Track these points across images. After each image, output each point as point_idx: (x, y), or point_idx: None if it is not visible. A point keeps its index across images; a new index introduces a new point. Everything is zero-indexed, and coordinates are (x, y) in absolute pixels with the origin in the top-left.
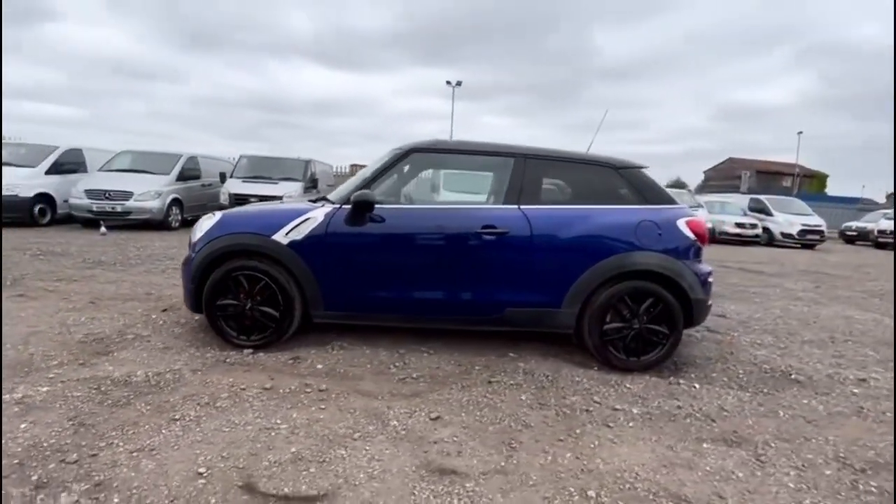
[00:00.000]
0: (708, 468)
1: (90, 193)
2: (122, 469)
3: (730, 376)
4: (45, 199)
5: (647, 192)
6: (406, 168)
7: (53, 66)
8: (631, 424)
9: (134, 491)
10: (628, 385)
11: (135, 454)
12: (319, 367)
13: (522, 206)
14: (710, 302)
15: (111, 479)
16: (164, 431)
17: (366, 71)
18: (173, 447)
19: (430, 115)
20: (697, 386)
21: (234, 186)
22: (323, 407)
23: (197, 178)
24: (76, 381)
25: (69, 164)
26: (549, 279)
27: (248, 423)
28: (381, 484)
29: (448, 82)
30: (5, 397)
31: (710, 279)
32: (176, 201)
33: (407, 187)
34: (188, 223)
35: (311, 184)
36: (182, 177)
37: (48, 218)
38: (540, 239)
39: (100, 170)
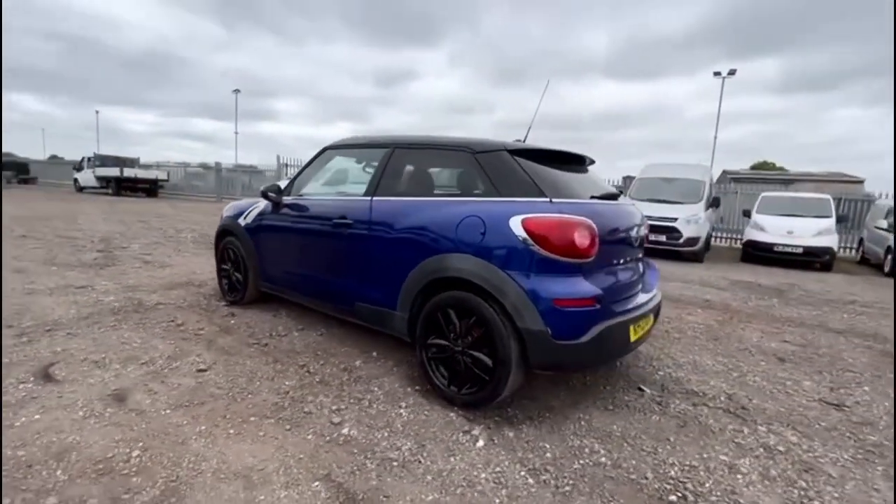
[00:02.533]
0: None
1: None
2: None
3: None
4: None
5: (498, 180)
6: (322, 164)
7: (414, 112)
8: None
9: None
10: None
11: None
12: (232, 322)
13: (374, 198)
14: (569, 341)
15: None
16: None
17: (659, 78)
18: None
19: (742, 114)
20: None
21: None
22: (180, 341)
23: None
24: None
25: None
26: (383, 277)
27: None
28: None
29: (716, 73)
30: None
31: (576, 307)
32: None
33: (323, 181)
34: None
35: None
36: None
37: None
38: (376, 232)
39: None
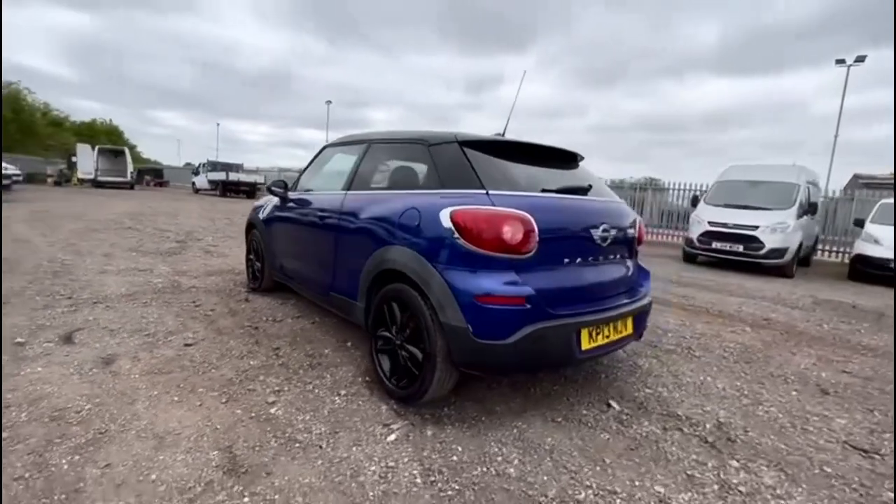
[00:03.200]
0: None
1: None
2: None
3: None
4: None
5: (445, 172)
6: (323, 161)
7: (498, 117)
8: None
9: None
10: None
11: None
12: (242, 306)
13: (348, 192)
14: (492, 341)
15: None
16: None
17: (780, 72)
18: None
19: (884, 110)
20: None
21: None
22: (188, 319)
23: None
24: None
25: None
26: (348, 267)
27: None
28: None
29: (840, 61)
30: None
31: (501, 305)
32: None
33: (322, 177)
34: None
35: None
36: None
37: None
38: (344, 223)
39: None
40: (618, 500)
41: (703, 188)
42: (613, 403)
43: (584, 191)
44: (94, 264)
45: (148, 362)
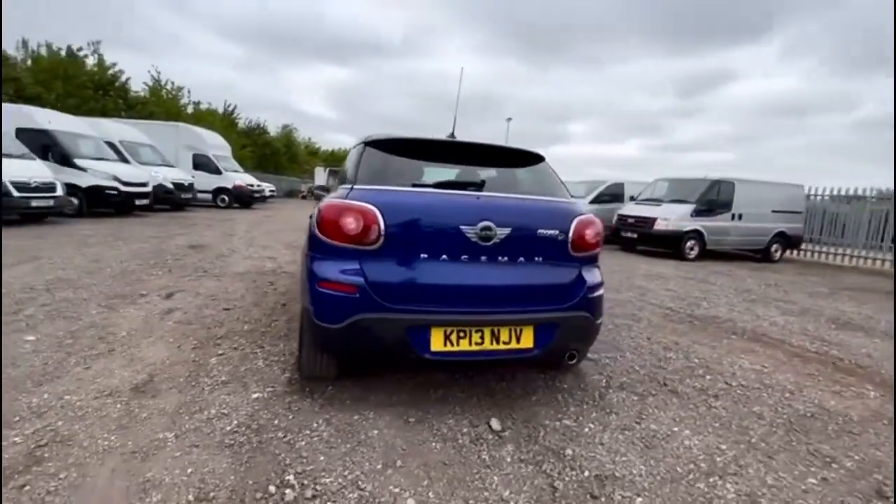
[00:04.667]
0: None
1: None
2: None
3: None
4: None
5: (346, 169)
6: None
7: (721, 120)
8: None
9: None
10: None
11: None
12: (282, 289)
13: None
14: (327, 325)
15: None
16: None
17: None
18: None
19: None
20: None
21: None
22: (244, 290)
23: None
24: None
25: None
26: None
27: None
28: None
29: None
30: None
31: (334, 291)
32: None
33: None
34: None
35: None
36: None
37: None
38: None
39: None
40: (351, 496)
41: None
42: (494, 424)
43: (473, 186)
44: (245, 252)
45: (184, 311)
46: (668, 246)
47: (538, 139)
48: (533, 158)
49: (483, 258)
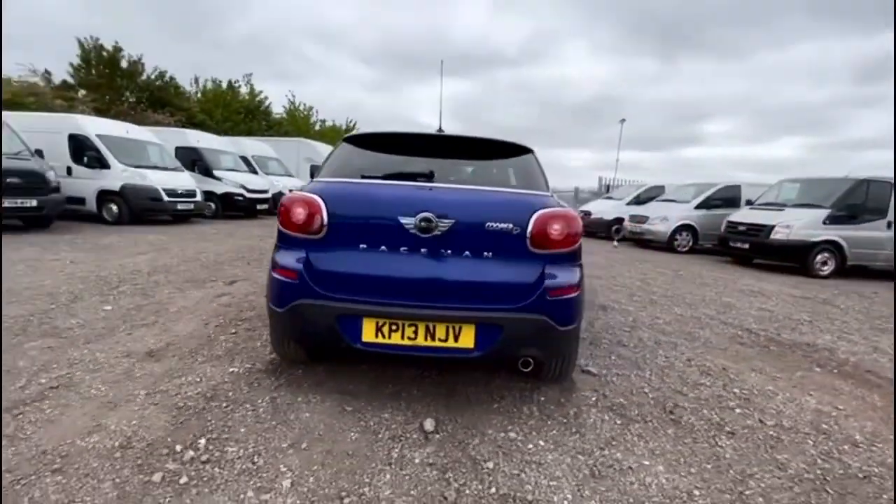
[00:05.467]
0: None
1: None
2: None
3: None
4: (687, 228)
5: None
6: None
7: None
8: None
9: None
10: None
11: None
12: None
13: None
14: (276, 308)
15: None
16: None
17: None
18: None
19: None
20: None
21: None
22: None
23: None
24: None
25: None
26: None
27: None
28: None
29: None
30: None
31: (280, 277)
32: (689, 227)
33: None
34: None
35: None
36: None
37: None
38: None
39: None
40: (239, 466)
41: None
42: (428, 424)
43: (422, 177)
44: None
45: (232, 299)
46: (791, 259)
47: (659, 142)
48: (518, 151)
49: (423, 250)
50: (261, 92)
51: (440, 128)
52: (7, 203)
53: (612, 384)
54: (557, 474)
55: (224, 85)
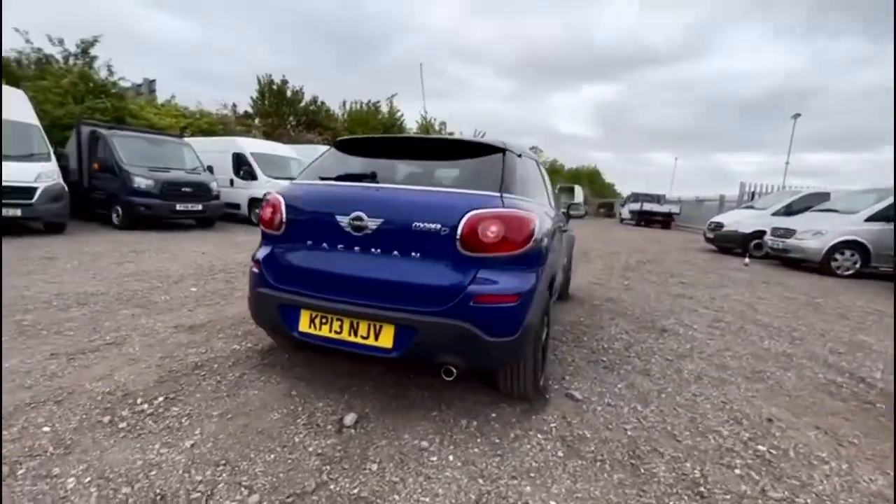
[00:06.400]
0: None
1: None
2: None
3: None
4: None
5: None
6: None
7: None
8: None
9: None
10: None
11: None
12: None
13: None
14: (251, 296)
15: None
16: None
17: None
18: None
19: None
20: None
21: None
22: None
23: None
24: None
25: (804, 209)
26: None
27: None
28: None
29: None
30: None
31: (254, 268)
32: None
33: None
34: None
35: None
36: None
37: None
38: None
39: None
40: (165, 424)
41: None
42: (348, 419)
43: (366, 178)
44: None
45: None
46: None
47: (865, 139)
48: (488, 151)
49: (356, 248)
50: (398, 110)
51: (426, 120)
52: (180, 207)
53: (589, 414)
54: (438, 492)
55: (365, 106)
